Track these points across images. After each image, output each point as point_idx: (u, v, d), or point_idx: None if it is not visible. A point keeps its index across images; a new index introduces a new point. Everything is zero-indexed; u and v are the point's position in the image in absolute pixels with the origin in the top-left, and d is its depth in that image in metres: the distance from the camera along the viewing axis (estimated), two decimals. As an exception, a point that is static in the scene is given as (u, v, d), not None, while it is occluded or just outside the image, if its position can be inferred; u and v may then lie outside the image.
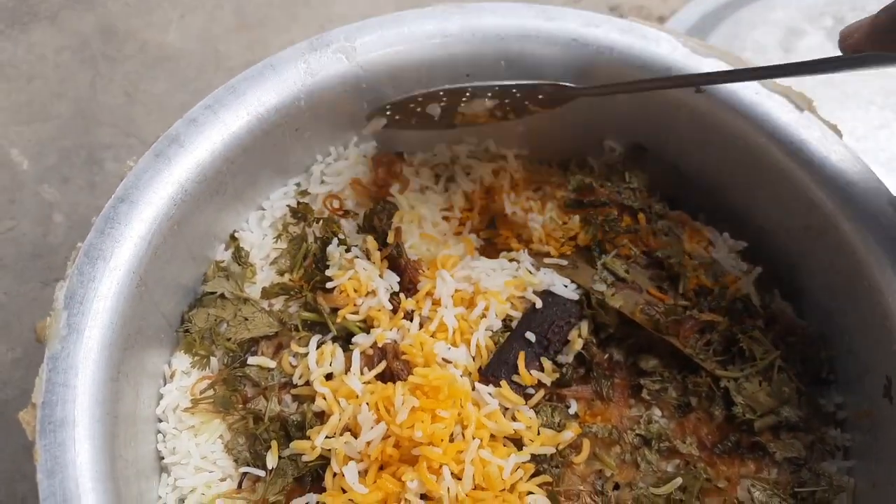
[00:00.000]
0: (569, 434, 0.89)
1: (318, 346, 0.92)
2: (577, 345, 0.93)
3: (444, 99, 0.95)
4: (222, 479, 0.90)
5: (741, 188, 1.02)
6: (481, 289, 0.95)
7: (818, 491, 0.90)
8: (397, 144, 1.08)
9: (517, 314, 0.95)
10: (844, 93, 1.18)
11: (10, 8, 1.54)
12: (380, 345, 0.91)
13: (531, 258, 0.99)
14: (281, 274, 0.99)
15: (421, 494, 0.82)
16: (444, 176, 1.08)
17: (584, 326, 0.95)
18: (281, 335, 0.95)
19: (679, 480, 0.89)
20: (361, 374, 0.89)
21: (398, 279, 0.96)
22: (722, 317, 0.95)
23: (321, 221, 1.00)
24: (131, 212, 0.85)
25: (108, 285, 0.82)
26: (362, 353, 0.91)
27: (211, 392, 0.93)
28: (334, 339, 0.94)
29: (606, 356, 0.96)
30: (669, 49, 0.97)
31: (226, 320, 0.94)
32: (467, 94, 0.95)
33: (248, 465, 0.89)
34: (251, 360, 0.93)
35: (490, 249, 1.03)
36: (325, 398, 0.88)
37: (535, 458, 0.87)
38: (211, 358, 0.95)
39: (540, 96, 0.95)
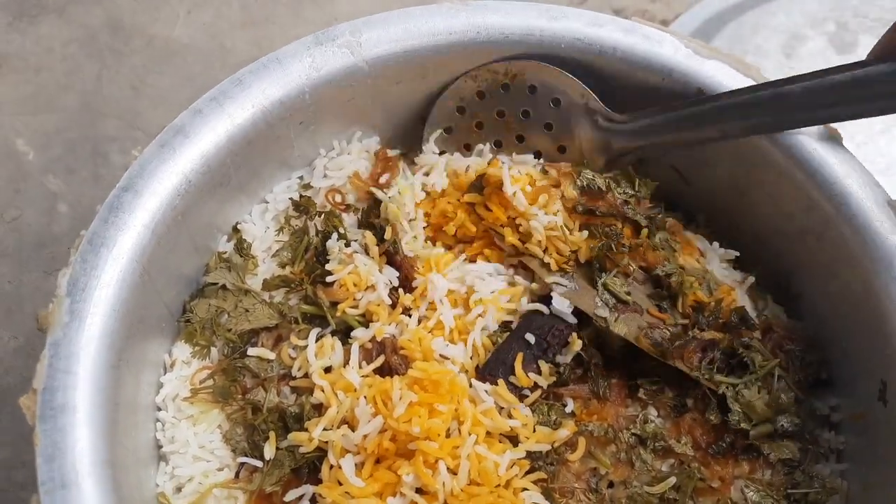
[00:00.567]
0: (564, 432, 0.89)
1: (317, 339, 0.92)
2: (577, 346, 0.93)
3: None
4: (220, 469, 0.90)
5: (739, 190, 1.02)
6: (475, 293, 0.95)
7: (811, 493, 0.90)
8: (404, 140, 1.09)
9: (513, 317, 0.96)
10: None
11: (20, 0, 1.55)
12: (378, 339, 0.92)
13: (529, 268, 0.98)
14: (282, 266, 1.00)
15: (416, 488, 0.83)
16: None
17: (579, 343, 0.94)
18: (281, 327, 0.95)
19: (673, 479, 0.89)
20: (360, 367, 0.90)
21: (397, 274, 0.97)
22: (721, 333, 0.95)
23: (323, 215, 1.01)
24: (135, 201, 0.85)
25: (110, 273, 0.82)
26: (361, 346, 0.91)
27: (210, 382, 0.93)
28: (333, 333, 0.94)
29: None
30: (672, 50, 0.97)
31: (226, 311, 0.95)
32: None
33: (246, 456, 0.90)
34: (251, 351, 0.94)
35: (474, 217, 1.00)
36: (323, 391, 0.88)
37: (530, 454, 0.87)
38: (211, 348, 0.95)
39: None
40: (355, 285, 0.94)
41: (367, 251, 0.97)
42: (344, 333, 0.95)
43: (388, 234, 0.97)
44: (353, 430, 0.85)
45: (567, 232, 0.97)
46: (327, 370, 0.91)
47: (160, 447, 0.92)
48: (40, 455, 0.75)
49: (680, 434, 0.93)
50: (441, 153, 1.06)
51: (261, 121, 0.94)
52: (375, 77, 0.99)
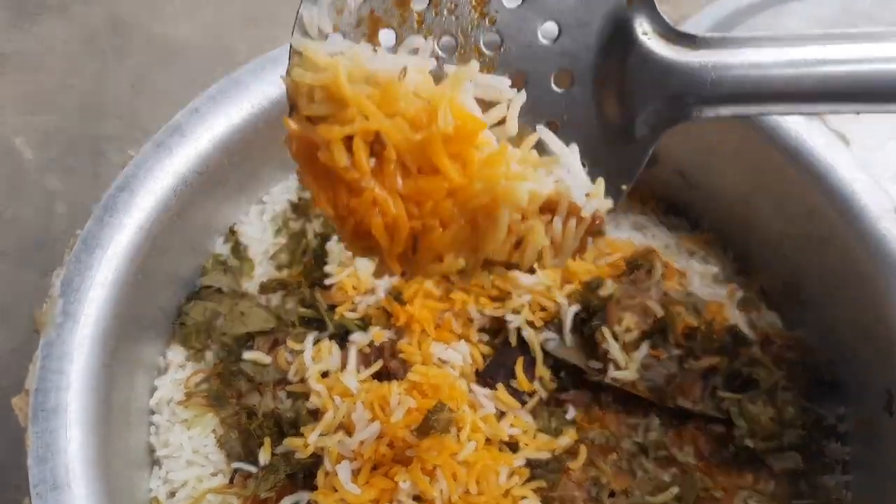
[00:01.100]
0: (565, 439, 0.88)
1: (314, 343, 0.91)
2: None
3: None
4: (214, 474, 0.89)
5: (744, 195, 1.01)
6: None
7: (816, 504, 0.89)
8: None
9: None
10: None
11: (21, -1, 1.55)
12: (377, 343, 0.91)
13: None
14: (279, 269, 0.99)
15: (414, 496, 0.81)
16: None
17: None
18: (277, 331, 0.94)
19: (675, 489, 0.88)
20: (357, 372, 0.89)
21: (398, 278, 0.95)
22: (718, 356, 0.93)
23: (321, 217, 1.00)
24: (131, 201, 0.85)
25: (105, 274, 0.82)
26: (359, 351, 0.90)
27: (205, 386, 0.92)
28: (331, 337, 0.93)
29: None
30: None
31: (222, 314, 0.94)
32: None
33: (241, 461, 0.89)
34: (246, 355, 0.93)
35: None
36: (319, 395, 0.87)
37: (530, 462, 0.86)
38: (206, 351, 0.94)
39: None
40: (354, 288, 0.93)
41: (367, 253, 0.96)
42: (342, 337, 0.93)
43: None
44: (349, 436, 0.83)
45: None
46: (324, 375, 0.90)
47: (153, 451, 0.91)
48: (32, 457, 0.75)
49: (682, 443, 0.92)
50: None
51: (259, 120, 0.93)
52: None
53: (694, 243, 1.06)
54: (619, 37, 0.57)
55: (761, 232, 1.01)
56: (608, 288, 0.94)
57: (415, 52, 0.58)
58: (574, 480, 0.89)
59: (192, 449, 0.90)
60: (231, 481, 0.89)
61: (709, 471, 0.90)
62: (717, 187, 1.04)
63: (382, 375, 0.90)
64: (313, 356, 0.90)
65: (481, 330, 0.94)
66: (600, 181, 0.59)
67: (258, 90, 0.92)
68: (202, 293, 0.96)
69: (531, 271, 0.61)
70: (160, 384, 0.93)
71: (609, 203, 0.59)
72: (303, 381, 0.90)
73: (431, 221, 0.54)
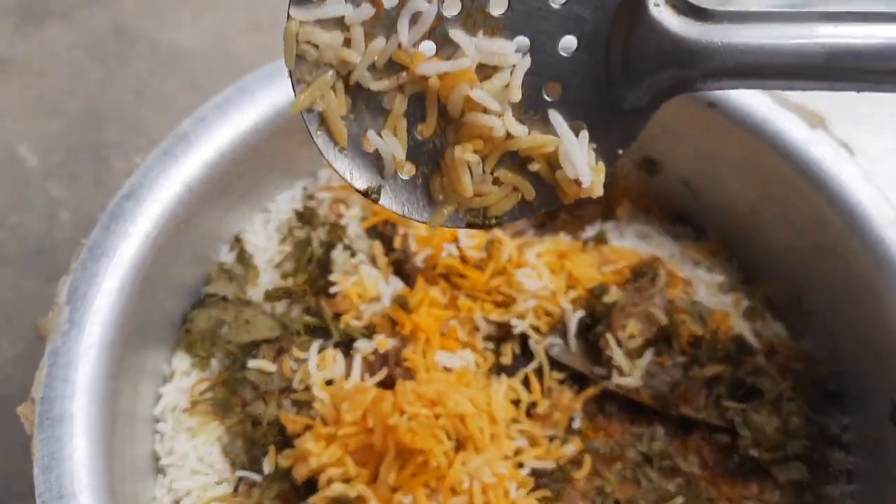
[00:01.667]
0: (571, 448, 0.88)
1: (319, 351, 0.91)
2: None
3: None
4: (218, 483, 0.89)
5: (749, 205, 1.01)
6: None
7: (821, 515, 0.89)
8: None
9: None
10: (858, 114, 1.17)
11: (26, 5, 1.55)
12: (381, 351, 0.90)
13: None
14: (284, 277, 0.99)
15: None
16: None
17: None
18: (282, 339, 0.94)
19: (680, 500, 0.87)
20: (362, 380, 0.89)
21: (403, 285, 0.95)
22: (723, 365, 0.93)
23: (326, 226, 1.00)
24: (137, 209, 0.85)
25: (111, 282, 0.82)
26: (364, 358, 0.90)
27: (210, 394, 0.92)
28: (336, 345, 0.93)
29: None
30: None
31: (227, 322, 0.94)
32: None
33: (245, 469, 0.88)
34: (251, 363, 0.92)
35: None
36: (323, 403, 0.87)
37: (535, 472, 0.86)
38: (211, 360, 0.94)
39: None
40: (359, 296, 0.93)
41: (373, 262, 0.96)
42: (346, 345, 0.93)
43: (397, 243, 0.96)
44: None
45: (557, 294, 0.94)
46: (329, 383, 0.90)
47: (158, 459, 0.91)
48: (38, 466, 0.74)
49: (687, 453, 0.91)
50: None
51: (265, 129, 0.92)
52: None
53: (699, 252, 1.05)
54: (630, 4, 0.57)
55: (766, 242, 1.01)
56: (613, 294, 0.94)
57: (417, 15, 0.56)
58: (579, 490, 0.88)
59: (196, 457, 0.89)
60: (235, 490, 0.89)
61: (714, 481, 0.90)
62: (723, 197, 1.03)
63: (387, 384, 0.89)
64: (318, 364, 0.90)
65: (487, 338, 0.94)
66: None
67: (264, 99, 0.92)
68: (207, 301, 0.96)
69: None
70: (165, 392, 0.92)
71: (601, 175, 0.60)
72: (307, 389, 0.90)
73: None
